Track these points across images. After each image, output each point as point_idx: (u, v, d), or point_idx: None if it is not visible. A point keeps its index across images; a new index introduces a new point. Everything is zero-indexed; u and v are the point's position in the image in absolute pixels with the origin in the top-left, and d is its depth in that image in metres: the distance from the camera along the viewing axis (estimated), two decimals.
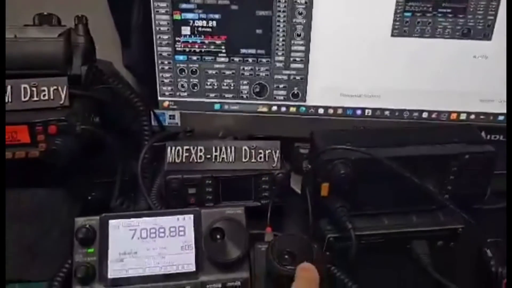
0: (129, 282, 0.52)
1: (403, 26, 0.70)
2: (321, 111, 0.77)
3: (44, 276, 0.58)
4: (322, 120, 0.77)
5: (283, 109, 0.77)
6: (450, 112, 0.75)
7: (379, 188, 0.60)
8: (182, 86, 0.76)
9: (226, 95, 0.76)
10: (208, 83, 0.76)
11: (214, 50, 0.73)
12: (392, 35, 0.70)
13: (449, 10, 0.68)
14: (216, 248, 0.53)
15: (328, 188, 0.59)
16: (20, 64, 0.61)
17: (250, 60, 0.73)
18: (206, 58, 0.74)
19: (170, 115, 0.78)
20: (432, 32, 0.70)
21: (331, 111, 0.77)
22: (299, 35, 0.71)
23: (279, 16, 0.70)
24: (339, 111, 0.77)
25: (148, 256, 0.53)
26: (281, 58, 0.73)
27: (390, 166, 0.57)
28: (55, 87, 0.60)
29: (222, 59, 0.74)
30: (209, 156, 0.67)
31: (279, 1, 0.69)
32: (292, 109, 0.77)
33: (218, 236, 0.54)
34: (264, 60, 0.73)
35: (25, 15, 0.66)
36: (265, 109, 0.77)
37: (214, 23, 0.71)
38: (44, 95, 0.60)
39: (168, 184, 0.65)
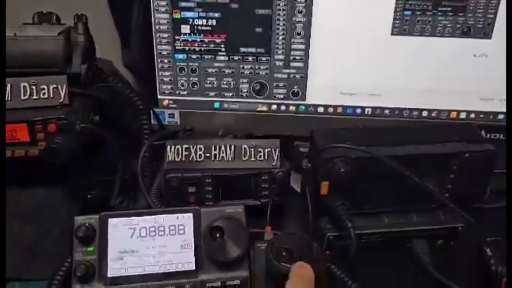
0: (129, 281, 0.52)
1: (403, 25, 0.70)
2: (321, 109, 0.77)
3: (44, 275, 0.58)
4: (322, 119, 0.77)
5: (283, 107, 0.77)
6: (450, 111, 0.75)
7: (379, 187, 0.60)
8: (182, 84, 0.76)
9: (226, 94, 0.76)
10: (208, 82, 0.76)
11: (214, 48, 0.73)
12: (392, 34, 0.70)
13: (449, 9, 0.68)
14: (216, 246, 0.53)
15: (328, 187, 0.59)
16: (20, 62, 0.61)
17: (250, 58, 0.73)
18: (206, 56, 0.74)
19: (169, 114, 0.78)
20: (432, 31, 0.70)
21: (331, 109, 0.77)
22: (299, 34, 0.71)
23: (279, 14, 0.70)
24: (339, 109, 0.77)
25: (147, 255, 0.53)
26: (281, 57, 0.73)
27: (390, 165, 0.57)
28: (54, 86, 0.60)
29: (222, 58, 0.74)
30: (208, 154, 0.67)
31: (279, 0, 0.69)
32: (292, 108, 0.77)
33: (218, 235, 0.54)
34: (264, 58, 0.73)
35: (24, 13, 0.66)
36: (264, 108, 0.77)
37: (214, 21, 0.71)
38: (43, 94, 0.60)
39: (168, 183, 0.65)
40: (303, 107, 0.77)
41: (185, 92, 0.77)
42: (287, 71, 0.74)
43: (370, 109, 0.76)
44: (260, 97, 0.76)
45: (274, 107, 0.77)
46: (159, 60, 0.74)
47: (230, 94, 0.76)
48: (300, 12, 0.70)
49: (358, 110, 0.76)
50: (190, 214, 0.55)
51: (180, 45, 0.73)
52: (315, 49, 0.72)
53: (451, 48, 0.71)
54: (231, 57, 0.73)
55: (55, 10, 0.67)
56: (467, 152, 0.60)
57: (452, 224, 0.61)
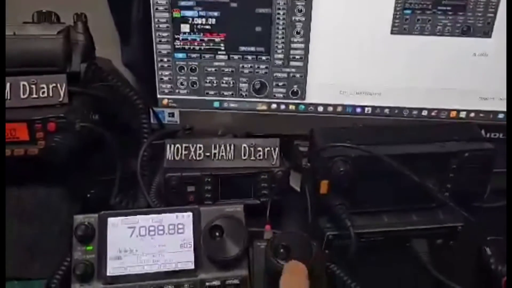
0: (128, 280, 0.52)
1: (402, 24, 0.70)
2: (320, 109, 0.77)
3: (44, 274, 0.58)
4: (322, 118, 0.77)
5: (283, 107, 0.77)
6: (449, 110, 0.75)
7: (378, 186, 0.59)
8: (181, 83, 0.76)
9: (225, 93, 0.76)
10: (207, 81, 0.75)
11: (214, 47, 0.73)
12: (392, 33, 0.70)
13: (449, 8, 0.68)
14: (215, 246, 0.53)
15: (328, 186, 0.59)
16: (19, 61, 0.61)
17: (249, 57, 0.73)
18: (206, 55, 0.74)
19: (169, 113, 0.78)
20: (431, 30, 0.70)
21: (330, 109, 0.77)
22: (298, 33, 0.71)
23: (278, 13, 0.70)
24: (339, 109, 0.76)
25: (147, 254, 0.53)
26: (280, 56, 0.73)
27: (389, 164, 0.57)
28: (54, 85, 0.61)
29: (222, 57, 0.74)
30: (208, 154, 0.67)
31: None
32: (292, 107, 0.77)
33: (217, 234, 0.54)
34: (263, 57, 0.73)
35: (24, 12, 0.66)
36: (264, 107, 0.77)
37: (214, 20, 0.71)
38: (43, 92, 0.60)
39: (167, 182, 0.65)
40: (303, 106, 0.77)
41: (184, 91, 0.77)
42: (286, 70, 0.74)
43: (370, 108, 0.76)
44: (260, 96, 0.76)
45: (273, 106, 0.77)
46: (158, 59, 0.74)
47: (230, 93, 0.76)
48: (299, 11, 0.70)
49: (358, 109, 0.76)
50: (190, 213, 0.55)
51: (180, 44, 0.73)
52: (314, 48, 0.72)
53: (451, 47, 0.71)
54: (230, 56, 0.73)
55: (54, 9, 0.67)
56: (467, 151, 0.60)
57: (451, 223, 0.61)
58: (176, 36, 0.72)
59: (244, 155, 0.67)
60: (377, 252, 0.59)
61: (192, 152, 0.67)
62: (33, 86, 0.60)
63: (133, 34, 0.77)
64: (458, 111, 0.75)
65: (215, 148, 0.67)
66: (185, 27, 0.72)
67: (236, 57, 0.73)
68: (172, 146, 0.67)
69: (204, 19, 0.71)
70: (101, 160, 0.68)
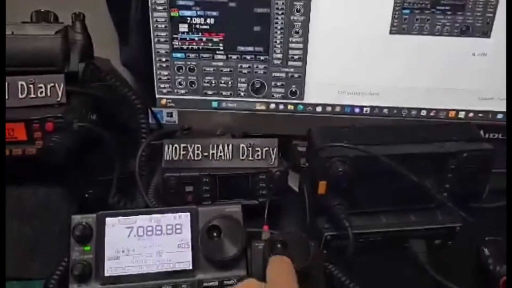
0: (126, 280, 0.52)
1: (401, 24, 0.69)
2: (319, 109, 0.77)
3: (43, 274, 0.58)
4: (320, 118, 0.77)
5: (281, 107, 0.77)
6: (448, 110, 0.75)
7: (377, 186, 0.59)
8: (180, 83, 0.76)
9: (224, 93, 0.76)
10: (206, 81, 0.75)
11: (212, 47, 0.73)
12: (391, 33, 0.70)
13: (447, 7, 0.68)
14: (213, 246, 0.53)
15: (326, 186, 0.59)
16: (17, 61, 0.61)
17: (248, 57, 0.73)
18: (204, 55, 0.73)
19: (167, 113, 0.78)
20: (430, 30, 0.70)
21: (329, 109, 0.76)
22: (297, 33, 0.71)
23: (277, 13, 0.70)
24: (337, 109, 0.76)
25: (144, 254, 0.53)
26: (279, 56, 0.73)
27: (388, 164, 0.57)
28: (52, 84, 0.60)
29: (220, 57, 0.73)
30: (206, 154, 0.67)
31: None
32: (290, 107, 0.77)
33: (215, 234, 0.54)
34: (262, 57, 0.73)
35: (22, 12, 0.66)
36: (263, 107, 0.77)
37: (212, 20, 0.71)
38: (41, 92, 0.60)
39: (166, 182, 0.65)
40: (301, 106, 0.77)
41: (183, 91, 0.76)
42: (285, 70, 0.74)
43: (368, 108, 0.76)
44: (258, 96, 0.76)
45: (272, 106, 0.77)
46: (157, 59, 0.74)
47: (228, 93, 0.76)
48: (298, 11, 0.70)
49: (357, 109, 0.76)
50: (188, 214, 0.55)
51: (178, 44, 0.73)
52: (313, 48, 0.72)
53: (450, 47, 0.70)
54: (229, 56, 0.73)
55: (53, 9, 0.67)
56: (466, 152, 0.60)
57: (450, 223, 0.61)
58: (174, 36, 0.72)
59: (243, 155, 0.67)
60: (375, 252, 0.59)
61: (190, 152, 0.67)
62: (31, 86, 0.60)
63: (131, 33, 0.77)
64: (457, 111, 0.75)
65: (213, 148, 0.67)
66: (183, 27, 0.72)
67: (234, 57, 0.73)
68: (170, 146, 0.67)
69: (202, 19, 0.71)
70: (99, 160, 0.68)
